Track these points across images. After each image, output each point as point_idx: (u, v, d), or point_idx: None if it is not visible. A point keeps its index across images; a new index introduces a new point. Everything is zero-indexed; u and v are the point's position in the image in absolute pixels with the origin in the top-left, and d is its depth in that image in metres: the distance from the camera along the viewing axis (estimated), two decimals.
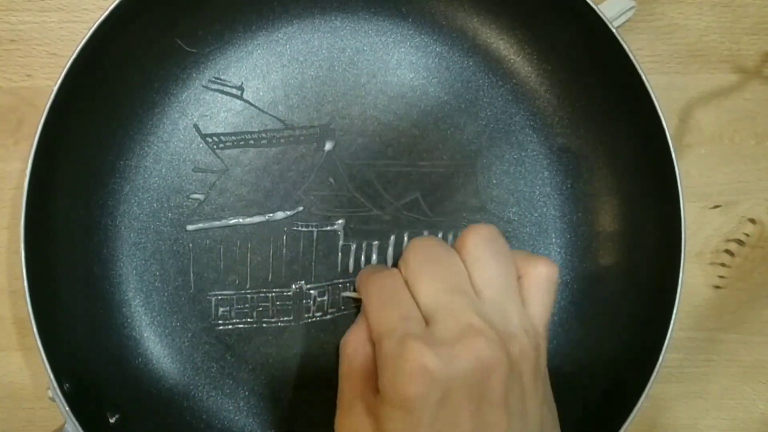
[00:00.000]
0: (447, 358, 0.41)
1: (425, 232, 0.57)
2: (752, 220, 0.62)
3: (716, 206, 0.62)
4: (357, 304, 0.56)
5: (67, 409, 0.49)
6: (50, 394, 0.50)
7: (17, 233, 0.50)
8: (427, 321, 0.44)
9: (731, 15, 0.62)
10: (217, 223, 0.56)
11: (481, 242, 0.46)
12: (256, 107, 0.57)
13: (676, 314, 0.52)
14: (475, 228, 0.47)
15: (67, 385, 0.50)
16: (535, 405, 0.44)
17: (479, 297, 0.45)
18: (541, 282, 0.47)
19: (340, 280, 0.57)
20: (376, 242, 0.57)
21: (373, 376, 0.46)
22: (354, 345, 0.47)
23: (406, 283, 0.46)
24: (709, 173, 0.62)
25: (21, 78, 0.59)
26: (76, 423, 0.49)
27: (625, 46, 0.52)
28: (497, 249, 0.47)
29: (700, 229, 0.61)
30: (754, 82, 0.62)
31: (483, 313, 0.43)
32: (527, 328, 0.45)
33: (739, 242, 0.62)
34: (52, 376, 0.49)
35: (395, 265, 0.55)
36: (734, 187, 0.62)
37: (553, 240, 0.58)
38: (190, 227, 0.56)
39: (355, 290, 0.56)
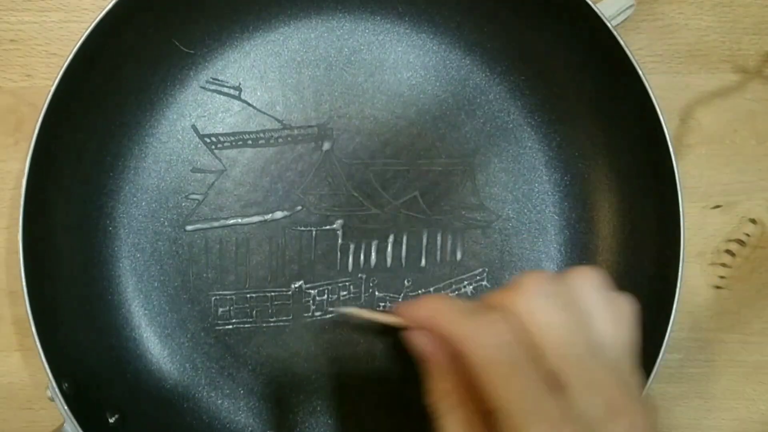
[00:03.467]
0: None
1: (424, 232, 0.57)
2: (753, 220, 0.61)
3: (717, 206, 0.61)
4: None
5: (66, 409, 0.49)
6: (49, 394, 0.50)
7: (16, 234, 0.50)
8: (552, 380, 0.38)
9: (732, 15, 0.62)
10: (215, 224, 0.56)
11: (593, 286, 0.41)
12: (253, 107, 0.57)
13: (675, 314, 0.52)
14: (581, 270, 0.42)
15: (66, 385, 0.50)
16: None
17: (604, 353, 0.40)
18: (633, 320, 0.42)
19: (340, 280, 0.57)
20: (375, 241, 0.57)
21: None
22: (445, 406, 0.42)
23: (522, 327, 0.39)
24: (710, 173, 0.61)
25: (21, 78, 0.59)
26: (75, 423, 0.49)
27: (624, 46, 0.52)
28: (606, 291, 0.42)
29: (701, 229, 0.61)
30: (754, 82, 0.62)
31: (626, 389, 0.39)
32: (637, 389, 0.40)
33: (740, 242, 0.61)
34: (51, 377, 0.49)
35: (396, 263, 0.55)
36: (735, 187, 0.62)
37: (552, 238, 0.58)
38: (189, 227, 0.56)
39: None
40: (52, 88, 0.51)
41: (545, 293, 0.40)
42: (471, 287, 0.58)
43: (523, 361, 0.38)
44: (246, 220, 0.57)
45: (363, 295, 0.57)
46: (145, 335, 0.56)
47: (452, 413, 0.42)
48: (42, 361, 0.49)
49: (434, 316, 0.42)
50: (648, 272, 0.55)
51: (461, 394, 0.42)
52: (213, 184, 0.57)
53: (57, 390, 0.49)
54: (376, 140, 0.58)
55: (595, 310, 0.40)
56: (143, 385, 0.56)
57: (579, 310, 0.40)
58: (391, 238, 0.57)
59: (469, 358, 0.39)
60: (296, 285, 0.57)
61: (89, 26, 0.51)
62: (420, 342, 0.44)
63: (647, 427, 0.38)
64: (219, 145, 0.57)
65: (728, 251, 0.61)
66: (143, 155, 0.57)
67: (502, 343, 0.38)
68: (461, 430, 0.41)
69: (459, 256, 0.58)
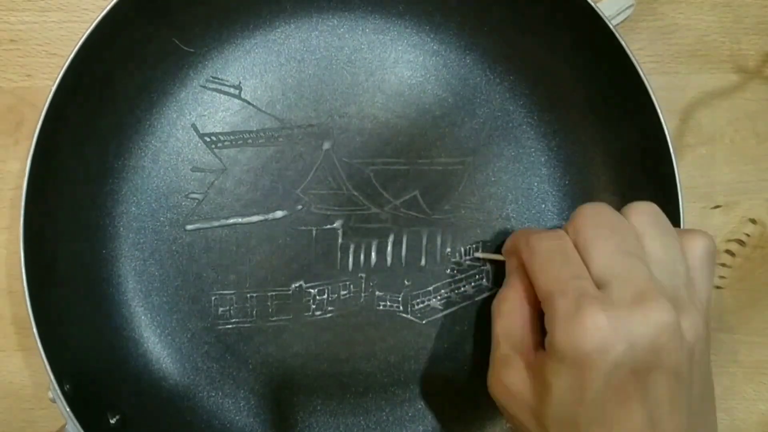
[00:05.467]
0: (624, 322, 0.41)
1: (425, 231, 0.57)
2: (753, 220, 0.61)
3: (717, 206, 0.61)
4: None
5: (68, 410, 0.49)
6: (51, 395, 0.50)
7: (17, 233, 0.50)
8: (599, 285, 0.43)
9: (732, 15, 0.62)
10: (216, 223, 0.56)
11: (650, 216, 0.46)
12: (254, 106, 0.57)
13: None
14: (643, 204, 0.47)
15: (68, 386, 0.50)
16: (701, 378, 0.44)
17: (651, 267, 0.44)
18: (703, 256, 0.47)
19: (340, 279, 0.57)
20: (375, 241, 0.57)
21: (529, 335, 0.48)
22: (512, 304, 0.49)
23: (576, 246, 0.45)
24: (710, 173, 0.61)
25: (21, 78, 0.59)
26: (77, 424, 0.49)
27: (624, 45, 0.52)
28: (665, 224, 0.47)
29: (701, 229, 0.61)
30: (754, 82, 0.62)
31: (658, 281, 0.43)
32: (696, 303, 0.45)
33: (740, 242, 0.61)
34: (52, 378, 0.49)
35: (396, 263, 0.55)
36: (735, 187, 0.62)
37: None
38: (189, 227, 0.56)
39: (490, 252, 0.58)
40: (53, 88, 0.51)
41: (595, 216, 0.46)
42: (471, 287, 0.58)
43: (562, 258, 0.45)
44: (246, 219, 0.57)
45: (363, 295, 0.57)
46: (145, 335, 0.56)
47: (513, 311, 0.49)
48: (43, 361, 0.49)
49: (513, 240, 0.51)
50: None
51: (522, 299, 0.49)
52: (213, 183, 0.57)
53: (59, 391, 0.49)
54: (377, 139, 0.58)
55: (646, 230, 0.46)
56: (143, 385, 0.56)
57: (623, 226, 0.45)
58: (391, 238, 0.57)
59: (526, 262, 0.47)
60: (296, 284, 0.57)
61: (89, 26, 0.51)
62: (509, 261, 0.52)
63: (671, 322, 0.42)
64: (219, 144, 0.57)
65: (728, 251, 0.61)
66: (143, 154, 0.57)
67: (549, 248, 0.46)
68: (517, 320, 0.48)
69: (459, 255, 0.58)
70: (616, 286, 0.43)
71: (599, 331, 0.41)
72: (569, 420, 0.42)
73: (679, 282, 0.44)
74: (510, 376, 0.46)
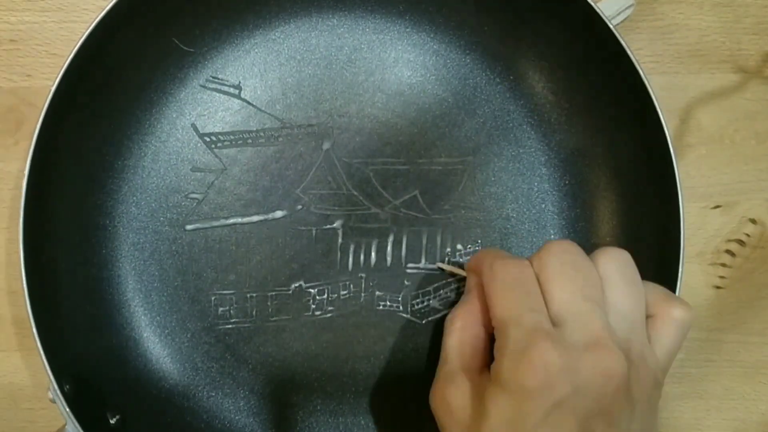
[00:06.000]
0: (574, 364, 0.41)
1: (424, 231, 0.57)
2: (753, 221, 0.61)
3: (717, 206, 0.61)
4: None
5: (68, 410, 0.49)
6: (50, 395, 0.49)
7: (16, 234, 0.50)
8: (554, 323, 0.43)
9: (732, 15, 0.62)
10: (215, 223, 0.56)
11: (619, 265, 0.46)
12: (253, 106, 0.57)
13: None
14: (615, 251, 0.47)
15: (68, 386, 0.50)
16: (641, 429, 0.44)
17: (609, 316, 0.44)
18: (675, 324, 0.46)
19: (340, 279, 0.57)
20: (375, 240, 0.57)
21: (479, 355, 0.48)
22: (465, 321, 0.49)
23: (538, 279, 0.45)
24: (710, 173, 0.61)
25: (21, 78, 0.59)
26: (77, 424, 0.49)
27: (624, 45, 0.52)
28: (633, 277, 0.46)
29: (701, 229, 0.61)
30: (754, 82, 0.62)
31: (613, 331, 0.43)
32: (649, 360, 0.44)
33: (740, 242, 0.61)
34: (52, 378, 0.49)
35: (396, 263, 0.55)
36: (735, 187, 0.62)
37: (551, 237, 0.58)
38: (188, 227, 0.56)
39: (453, 265, 0.57)
40: (53, 88, 0.51)
41: (563, 254, 0.46)
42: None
43: (522, 289, 0.45)
44: (246, 219, 0.57)
45: (363, 295, 0.57)
46: (145, 335, 0.56)
47: (466, 329, 0.49)
48: (43, 361, 0.49)
49: (477, 259, 0.50)
50: (648, 272, 0.55)
51: (477, 320, 0.48)
52: (213, 183, 0.57)
53: (58, 391, 0.49)
54: (376, 139, 0.58)
55: (610, 278, 0.45)
56: (143, 385, 0.56)
57: (588, 270, 0.45)
58: (391, 238, 0.57)
59: (486, 284, 0.47)
60: (296, 284, 0.57)
61: (89, 26, 0.51)
62: (469, 279, 0.51)
63: (620, 373, 0.42)
64: (219, 144, 0.57)
65: (728, 251, 0.61)
66: (143, 154, 0.57)
67: (511, 276, 0.45)
68: (469, 339, 0.48)
69: (459, 256, 0.58)
70: (571, 327, 0.43)
71: (547, 368, 0.41)
72: None
73: (636, 336, 0.44)
74: (452, 394, 0.46)
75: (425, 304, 0.57)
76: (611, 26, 0.52)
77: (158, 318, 0.56)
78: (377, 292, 0.57)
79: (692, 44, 0.62)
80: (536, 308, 0.44)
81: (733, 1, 0.62)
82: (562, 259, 0.45)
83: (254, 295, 0.57)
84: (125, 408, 0.54)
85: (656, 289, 0.47)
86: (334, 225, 0.57)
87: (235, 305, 0.56)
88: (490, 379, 0.44)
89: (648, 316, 0.46)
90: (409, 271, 0.57)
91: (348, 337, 0.57)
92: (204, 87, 0.57)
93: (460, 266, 0.57)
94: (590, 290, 0.44)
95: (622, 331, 0.44)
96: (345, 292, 0.57)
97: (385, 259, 0.57)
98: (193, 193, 0.57)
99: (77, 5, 0.59)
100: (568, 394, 0.41)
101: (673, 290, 0.52)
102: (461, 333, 0.48)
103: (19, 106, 0.59)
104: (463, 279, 0.57)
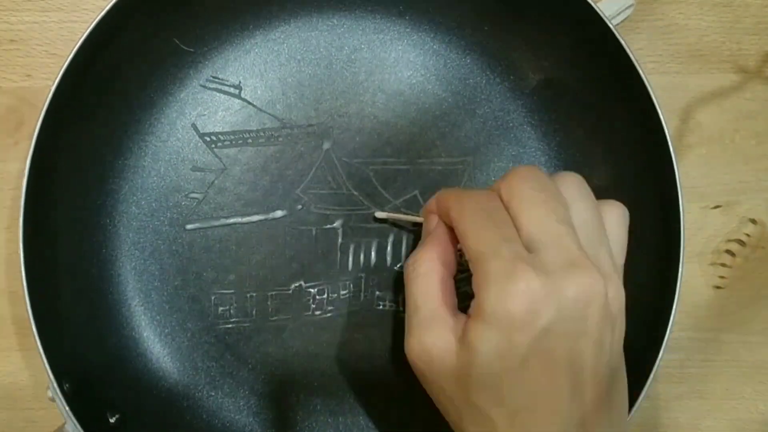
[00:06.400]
0: (556, 287, 0.41)
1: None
2: (753, 221, 0.61)
3: (717, 206, 0.61)
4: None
5: (67, 409, 0.49)
6: (50, 394, 0.49)
7: (16, 233, 0.50)
8: (529, 249, 0.43)
9: (732, 15, 0.62)
10: (215, 222, 0.57)
11: (578, 187, 0.46)
12: (254, 106, 0.57)
13: (675, 314, 0.52)
14: (569, 174, 0.47)
15: (67, 385, 0.50)
16: (618, 346, 0.44)
17: (578, 236, 0.44)
18: (620, 224, 0.47)
19: (340, 279, 0.57)
20: (375, 240, 0.57)
21: (448, 298, 0.46)
22: (430, 265, 0.47)
23: (507, 207, 0.45)
24: (710, 173, 0.61)
25: (21, 78, 0.59)
26: (76, 423, 0.49)
27: (624, 45, 0.52)
28: (589, 195, 0.46)
29: (701, 229, 0.61)
30: (754, 82, 0.62)
31: (585, 250, 0.43)
32: (617, 270, 0.45)
33: (740, 242, 0.61)
34: (51, 377, 0.49)
35: (396, 263, 0.55)
36: (735, 188, 0.62)
37: None
38: (189, 226, 0.56)
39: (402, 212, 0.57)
40: (52, 88, 0.51)
41: (530, 179, 0.45)
42: (471, 287, 0.58)
43: (496, 219, 0.44)
44: (246, 219, 0.57)
45: (363, 294, 0.57)
46: (145, 334, 0.56)
47: (433, 272, 0.47)
48: (43, 361, 0.49)
49: (439, 198, 0.49)
50: (648, 272, 0.55)
51: (441, 262, 0.48)
52: (213, 182, 0.57)
53: (58, 390, 0.49)
54: (376, 139, 0.58)
55: (574, 199, 0.45)
56: (143, 385, 0.56)
57: (556, 193, 0.45)
58: (391, 238, 0.57)
59: (455, 220, 0.46)
60: (296, 284, 0.57)
61: (89, 26, 0.51)
62: (429, 220, 0.50)
63: (600, 291, 0.42)
64: (219, 144, 0.57)
65: (728, 251, 0.61)
66: (143, 154, 0.57)
67: (481, 206, 0.45)
68: (437, 282, 0.47)
69: (459, 255, 0.58)
70: (548, 251, 0.42)
71: (532, 294, 0.40)
72: (493, 384, 0.42)
73: (603, 251, 0.44)
74: (431, 341, 0.45)
75: None
76: (611, 26, 0.52)
77: (158, 317, 0.56)
78: (377, 292, 0.57)
79: (692, 44, 0.62)
80: (511, 237, 0.43)
81: (733, 1, 0.62)
82: (531, 185, 0.45)
83: (254, 294, 0.57)
84: (125, 407, 0.54)
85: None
86: (334, 225, 0.57)
87: (235, 305, 0.56)
88: (470, 316, 0.43)
89: None
90: None
91: (348, 336, 0.57)
92: (204, 87, 0.57)
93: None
94: (560, 213, 0.44)
95: (591, 248, 0.43)
96: (345, 292, 0.57)
97: (385, 259, 0.57)
98: (194, 192, 0.57)
99: (77, 5, 0.59)
100: (555, 318, 0.41)
101: (674, 291, 0.52)
102: (428, 277, 0.47)
103: (19, 106, 0.59)
104: (463, 280, 0.57)
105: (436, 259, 0.47)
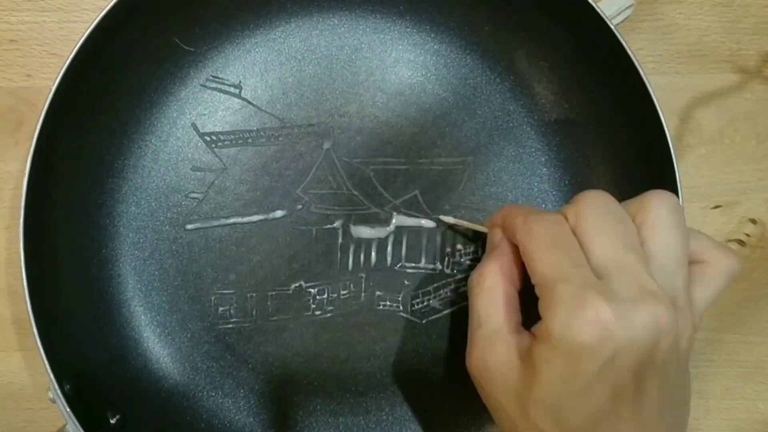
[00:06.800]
0: (627, 317, 0.40)
1: (424, 231, 0.57)
2: (753, 221, 0.61)
3: (717, 206, 0.61)
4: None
5: (68, 410, 0.49)
6: (51, 395, 0.49)
7: (17, 233, 0.50)
8: (598, 276, 0.42)
9: (732, 15, 0.62)
10: (215, 222, 0.56)
11: (665, 209, 0.45)
12: (254, 105, 0.57)
13: None
14: (661, 192, 0.45)
15: (68, 386, 0.50)
16: (683, 381, 0.44)
17: (651, 264, 0.43)
18: (722, 274, 0.46)
19: (340, 279, 0.57)
20: (375, 240, 0.57)
21: (513, 314, 0.46)
22: (495, 279, 0.47)
23: (575, 232, 0.44)
24: (710, 173, 0.61)
25: (21, 78, 0.59)
26: (77, 424, 0.49)
27: (625, 45, 0.52)
28: (679, 221, 0.45)
29: (701, 229, 0.60)
30: (754, 82, 0.62)
31: (658, 280, 0.42)
32: (691, 306, 0.44)
33: (740, 242, 0.61)
34: (52, 378, 0.49)
35: (396, 262, 0.55)
36: (735, 188, 0.62)
37: None
38: (189, 226, 0.56)
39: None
40: (53, 88, 0.51)
41: (598, 205, 0.45)
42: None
43: (564, 244, 0.43)
44: (246, 219, 0.57)
45: (363, 294, 0.57)
46: (145, 335, 0.56)
47: (497, 286, 0.47)
48: (43, 361, 0.49)
49: (506, 215, 0.48)
50: None
51: (507, 277, 0.47)
52: (213, 182, 0.57)
53: (59, 391, 0.49)
54: (377, 139, 0.58)
55: (657, 226, 0.44)
56: (144, 385, 0.56)
57: (624, 218, 0.44)
58: (391, 238, 0.57)
59: (521, 242, 0.45)
60: (296, 284, 0.57)
61: (89, 26, 0.51)
62: (494, 234, 0.50)
63: (670, 322, 0.41)
64: (219, 144, 0.57)
65: None
66: (143, 154, 0.57)
67: (550, 232, 0.44)
68: (501, 298, 0.47)
69: (459, 255, 0.58)
70: (617, 279, 0.42)
71: (601, 323, 0.40)
72: (554, 407, 0.42)
73: (678, 284, 0.43)
74: (494, 357, 0.45)
75: (425, 304, 0.57)
76: (611, 26, 0.52)
77: (158, 317, 0.56)
78: (377, 292, 0.57)
79: (692, 44, 0.62)
80: (580, 263, 0.43)
81: (733, 1, 0.62)
82: (599, 211, 0.44)
83: (254, 294, 0.57)
84: (125, 408, 0.54)
85: (706, 237, 0.47)
86: (335, 225, 0.57)
87: (235, 305, 0.56)
88: (536, 338, 0.43)
89: (696, 262, 0.45)
90: (409, 270, 0.57)
91: (348, 336, 0.57)
92: (204, 86, 0.57)
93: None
94: (630, 240, 0.43)
95: (665, 279, 0.43)
96: (345, 292, 0.57)
97: (385, 259, 0.57)
98: (194, 192, 0.57)
99: (77, 5, 0.59)
100: (622, 348, 0.40)
101: None
102: (494, 292, 0.47)
103: (19, 106, 0.59)
104: (463, 280, 0.57)
105: (501, 273, 0.47)
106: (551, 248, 0.44)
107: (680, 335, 0.42)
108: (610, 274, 0.42)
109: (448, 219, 0.57)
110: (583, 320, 0.40)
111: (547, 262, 0.43)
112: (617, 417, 0.41)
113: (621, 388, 0.41)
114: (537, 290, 0.44)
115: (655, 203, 0.45)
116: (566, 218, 0.45)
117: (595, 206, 0.45)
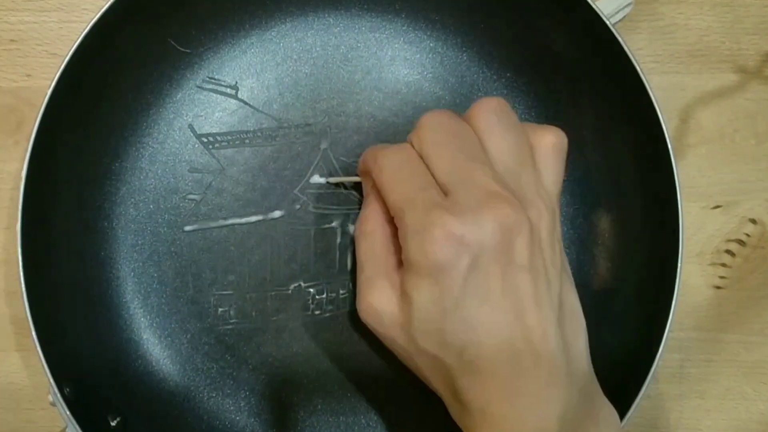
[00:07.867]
0: (474, 225, 0.41)
1: None
2: (753, 221, 0.61)
3: (717, 206, 0.61)
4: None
5: (68, 413, 0.49)
6: (51, 398, 0.49)
7: (15, 234, 0.50)
8: (446, 192, 0.44)
9: (732, 15, 0.62)
10: (214, 224, 0.56)
11: (493, 114, 0.46)
12: (250, 106, 0.57)
13: (674, 314, 0.52)
14: (486, 101, 0.47)
15: (68, 389, 0.50)
16: (555, 269, 0.44)
17: (495, 167, 0.44)
18: (551, 150, 0.47)
19: (339, 278, 0.57)
20: None
21: (393, 254, 0.48)
22: (372, 224, 0.49)
23: (420, 156, 0.46)
24: (710, 173, 0.61)
25: (21, 78, 0.59)
26: (77, 427, 0.49)
27: (624, 45, 0.52)
28: (509, 120, 0.47)
29: (701, 229, 0.61)
30: (754, 82, 0.62)
31: (502, 181, 0.43)
32: (543, 195, 0.45)
33: (740, 242, 0.61)
34: (52, 381, 0.49)
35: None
36: (735, 188, 0.61)
37: None
38: (187, 228, 0.56)
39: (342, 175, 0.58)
40: (50, 88, 0.51)
41: (435, 124, 0.46)
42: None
43: (410, 170, 0.45)
44: (244, 219, 0.57)
45: None
46: (144, 336, 0.56)
47: (376, 230, 0.49)
48: (42, 365, 0.49)
49: (363, 159, 0.50)
50: (648, 272, 0.55)
51: (383, 219, 0.49)
52: (211, 183, 0.57)
53: (58, 394, 0.49)
54: (374, 138, 0.57)
55: (490, 128, 0.46)
56: (144, 387, 0.56)
57: (462, 131, 0.46)
58: None
59: (376, 180, 0.47)
60: (295, 284, 0.57)
61: (86, 27, 0.51)
62: (365, 182, 0.51)
63: (521, 219, 0.42)
64: (216, 145, 0.57)
65: (728, 251, 0.61)
66: (140, 156, 0.57)
67: (395, 162, 0.46)
68: (380, 240, 0.48)
69: None
70: (461, 191, 0.43)
71: (450, 237, 0.41)
72: (435, 330, 0.43)
73: (525, 178, 0.45)
74: (376, 298, 0.46)
75: None
76: (610, 26, 0.52)
77: (158, 319, 0.56)
78: None
79: (692, 44, 0.62)
80: (426, 185, 0.44)
81: (733, 1, 0.62)
82: (435, 128, 0.46)
83: (253, 295, 0.57)
84: (125, 410, 0.54)
85: (528, 125, 0.48)
86: (333, 224, 0.57)
87: (234, 306, 0.56)
88: (404, 270, 0.44)
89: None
90: None
91: (348, 336, 0.57)
92: (201, 88, 0.57)
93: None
94: (469, 150, 0.45)
95: (512, 177, 0.44)
96: (344, 292, 0.57)
97: None
98: (191, 194, 0.57)
99: (77, 5, 0.59)
100: (478, 254, 0.41)
101: (673, 291, 0.52)
102: (371, 236, 0.48)
103: (19, 106, 0.59)
104: None
105: (376, 217, 0.49)
106: (397, 177, 0.46)
107: (537, 227, 0.43)
108: (455, 187, 0.43)
109: (332, 179, 0.57)
110: (433, 240, 0.41)
111: (395, 192, 0.45)
112: (496, 321, 0.42)
113: (490, 293, 0.42)
114: (395, 222, 0.46)
115: (482, 110, 0.46)
116: (412, 145, 0.47)
117: (433, 126, 0.46)
